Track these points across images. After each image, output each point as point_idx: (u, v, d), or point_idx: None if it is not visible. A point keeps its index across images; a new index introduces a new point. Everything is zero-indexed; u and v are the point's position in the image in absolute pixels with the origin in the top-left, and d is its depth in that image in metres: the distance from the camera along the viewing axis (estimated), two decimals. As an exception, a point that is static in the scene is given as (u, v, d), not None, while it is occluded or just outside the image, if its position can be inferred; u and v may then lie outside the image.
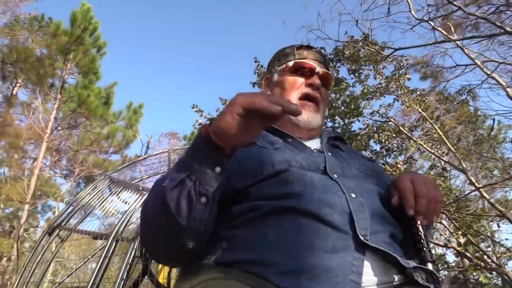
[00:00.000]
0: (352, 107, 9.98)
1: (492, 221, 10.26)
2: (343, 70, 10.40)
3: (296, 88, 1.32)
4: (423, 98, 9.77)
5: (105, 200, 4.27)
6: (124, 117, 19.97)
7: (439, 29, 8.61)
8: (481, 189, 8.26)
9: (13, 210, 20.69)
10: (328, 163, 1.13)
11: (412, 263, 0.94)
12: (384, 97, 10.14)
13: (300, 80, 1.33)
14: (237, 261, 0.90)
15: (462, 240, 9.10)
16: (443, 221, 9.13)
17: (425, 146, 9.53)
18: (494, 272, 7.94)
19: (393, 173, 8.69)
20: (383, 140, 9.83)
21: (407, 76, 9.87)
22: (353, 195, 1.01)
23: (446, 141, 9.27)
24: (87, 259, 4.56)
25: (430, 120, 9.52)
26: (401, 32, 8.84)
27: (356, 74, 10.29)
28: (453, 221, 8.57)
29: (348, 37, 9.74)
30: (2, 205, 19.46)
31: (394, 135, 9.92)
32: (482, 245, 9.87)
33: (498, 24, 6.90)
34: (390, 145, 9.96)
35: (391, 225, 1.04)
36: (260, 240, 0.92)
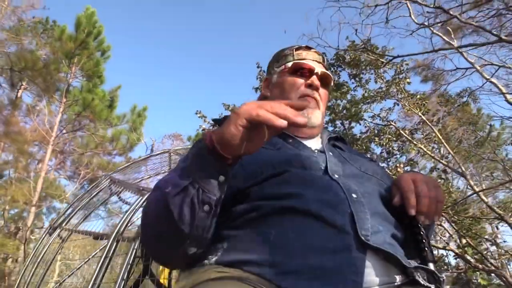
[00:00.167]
0: (353, 112, 9.97)
1: (491, 224, 10.23)
2: (344, 74, 10.37)
3: (295, 89, 1.31)
4: (423, 102, 9.76)
5: (105, 200, 4.24)
6: (128, 120, 19.97)
7: (439, 34, 8.60)
8: (480, 193, 8.24)
9: (18, 211, 20.76)
10: (329, 163, 1.12)
11: (413, 263, 0.93)
12: (385, 100, 10.15)
13: (300, 81, 1.32)
14: (238, 261, 0.89)
15: (463, 241, 9.07)
16: (443, 224, 9.08)
17: (425, 149, 9.51)
18: (493, 274, 7.88)
19: (394, 176, 8.63)
20: (384, 143, 9.82)
21: (407, 80, 9.86)
22: (354, 196, 1.00)
23: (446, 145, 9.29)
24: (87, 259, 4.52)
25: (430, 124, 9.52)
26: (400, 38, 8.85)
27: (357, 79, 10.31)
28: (452, 224, 8.58)
29: (349, 41, 9.79)
30: (8, 207, 19.50)
31: (394, 138, 9.90)
32: (483, 246, 9.78)
33: (494, 33, 7.00)
34: (390, 148, 9.95)
35: (392, 225, 1.04)
36: (261, 240, 0.91)
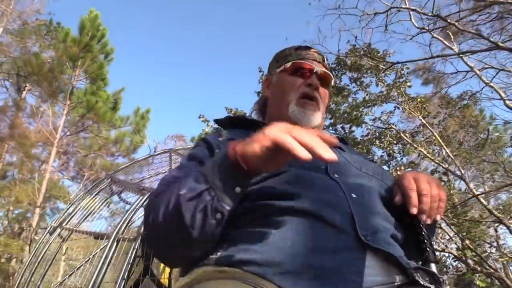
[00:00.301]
0: (353, 116, 10.02)
1: (489, 227, 10.23)
2: (345, 79, 10.41)
3: (295, 88, 1.30)
4: (424, 105, 9.79)
5: (106, 200, 4.21)
6: (131, 122, 20.03)
7: (439, 38, 8.61)
8: (479, 196, 8.24)
9: (22, 212, 20.79)
10: (329, 163, 1.09)
11: (413, 264, 0.92)
12: (386, 103, 10.18)
13: (299, 80, 1.31)
14: (238, 261, 0.88)
15: (462, 244, 9.07)
16: (443, 226, 9.06)
17: (425, 152, 9.54)
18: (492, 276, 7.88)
19: (394, 178, 8.63)
20: (385, 146, 9.86)
21: (408, 84, 9.90)
22: (354, 195, 0.99)
23: (446, 148, 9.31)
24: (87, 259, 4.49)
25: (430, 128, 9.56)
26: (401, 43, 8.87)
27: (358, 83, 10.34)
28: (451, 227, 8.58)
29: (350, 45, 9.82)
30: (12, 207, 19.54)
31: (395, 141, 9.94)
32: (482, 249, 9.77)
33: (492, 40, 7.04)
34: (391, 151, 9.97)
35: (392, 226, 1.02)
36: (261, 240, 0.90)
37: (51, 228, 4.39)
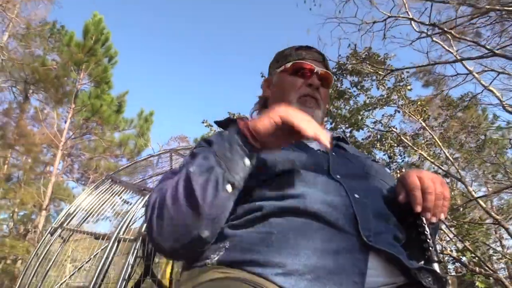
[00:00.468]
0: (353, 121, 10.05)
1: (488, 229, 10.21)
2: (346, 83, 10.45)
3: (295, 88, 1.29)
4: (424, 109, 9.81)
5: (106, 201, 4.17)
6: (135, 125, 20.05)
7: (438, 41, 8.63)
8: (478, 199, 8.25)
9: (27, 213, 20.82)
10: (331, 164, 1.10)
11: (416, 264, 0.91)
12: (387, 106, 10.20)
13: (300, 80, 1.30)
14: (239, 261, 0.87)
15: (461, 245, 9.07)
16: (442, 227, 9.02)
17: (425, 155, 9.55)
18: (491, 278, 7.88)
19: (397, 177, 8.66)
20: (386, 149, 9.89)
21: (408, 87, 9.93)
22: (356, 196, 0.98)
23: (445, 151, 9.31)
24: (88, 259, 4.46)
25: (430, 131, 9.58)
26: (401, 47, 8.92)
27: (359, 87, 10.36)
28: (450, 229, 8.61)
29: (351, 49, 9.87)
30: (17, 209, 19.56)
31: (396, 144, 9.97)
32: (484, 249, 9.73)
33: (488, 47, 7.08)
34: (392, 154, 10.00)
35: (394, 226, 1.02)
36: (263, 240, 0.89)
37: (52, 228, 4.37)
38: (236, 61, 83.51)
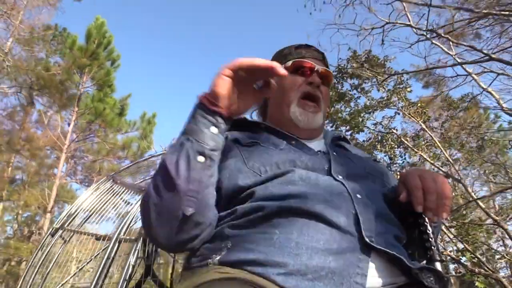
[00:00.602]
0: (353, 124, 10.08)
1: (486, 229, 10.22)
2: (346, 85, 10.50)
3: (296, 87, 1.27)
4: (424, 110, 9.85)
5: (107, 201, 4.14)
6: (138, 128, 20.06)
7: (438, 44, 8.67)
8: (478, 200, 8.33)
9: (31, 215, 20.85)
10: (332, 164, 1.09)
11: (417, 264, 0.90)
12: (387, 108, 10.24)
13: (300, 79, 1.28)
14: (241, 261, 0.86)
15: (461, 246, 9.08)
16: (442, 227, 9.01)
17: (425, 156, 9.59)
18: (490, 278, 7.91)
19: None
20: (387, 150, 9.91)
21: (408, 89, 9.96)
22: (358, 196, 0.98)
23: (445, 153, 9.34)
24: (89, 260, 4.42)
25: (429, 133, 9.63)
26: (400, 51, 8.98)
27: (359, 90, 10.39)
28: (450, 230, 8.62)
29: (351, 52, 9.93)
30: (21, 211, 19.59)
31: (396, 146, 9.99)
32: (483, 249, 9.72)
33: (484, 52, 7.19)
34: (392, 155, 10.01)
35: (395, 226, 1.01)
36: (265, 240, 0.88)
37: (52, 229, 4.34)
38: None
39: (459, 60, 8.74)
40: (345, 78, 10.33)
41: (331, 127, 10.37)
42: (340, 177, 1.04)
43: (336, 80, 10.24)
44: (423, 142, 10.08)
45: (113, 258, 3.54)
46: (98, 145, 19.49)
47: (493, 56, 6.89)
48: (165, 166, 0.89)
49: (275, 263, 0.83)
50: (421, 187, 1.01)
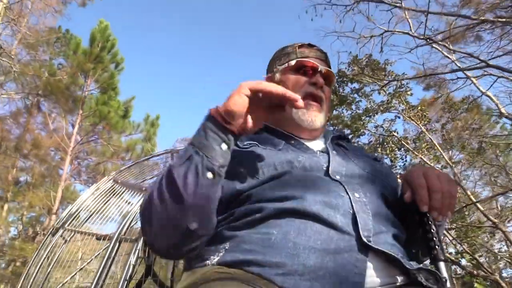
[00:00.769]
0: (354, 128, 10.11)
1: (484, 232, 10.22)
2: (347, 89, 10.55)
3: (299, 87, 1.25)
4: (424, 113, 9.85)
5: (107, 201, 4.12)
6: (142, 130, 20.08)
7: (438, 48, 8.71)
8: (477, 203, 8.35)
9: (35, 215, 20.86)
10: (331, 163, 1.08)
11: (415, 265, 0.89)
12: (388, 112, 10.26)
13: (303, 79, 1.27)
14: (239, 262, 0.86)
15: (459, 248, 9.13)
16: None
17: (424, 159, 9.59)
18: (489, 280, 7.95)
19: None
20: (388, 153, 9.88)
21: (408, 93, 9.96)
22: (356, 195, 0.97)
23: (445, 156, 9.44)
24: (90, 260, 4.41)
25: (430, 136, 9.63)
26: (400, 56, 9.04)
27: (360, 93, 10.42)
28: (449, 232, 8.61)
29: (352, 55, 9.95)
30: (25, 212, 19.63)
31: (396, 149, 9.99)
32: (481, 251, 9.70)
33: (481, 59, 7.19)
34: (393, 158, 10.00)
35: (394, 226, 0.99)
36: (263, 241, 0.88)
37: (53, 229, 4.32)
38: (240, 63, 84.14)
39: (458, 64, 8.80)
40: (345, 82, 10.36)
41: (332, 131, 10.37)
42: (338, 176, 1.03)
43: (337, 84, 10.27)
44: (423, 145, 10.08)
45: (113, 258, 3.52)
46: (103, 147, 19.52)
47: (489, 63, 6.92)
48: (173, 178, 0.87)
49: (273, 264, 0.82)
50: (426, 186, 0.98)
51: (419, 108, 9.84)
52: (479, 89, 9.00)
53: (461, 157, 11.24)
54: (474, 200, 8.45)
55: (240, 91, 0.89)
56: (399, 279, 0.88)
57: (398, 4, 8.13)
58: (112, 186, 4.30)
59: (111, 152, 19.22)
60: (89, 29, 17.46)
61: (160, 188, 0.90)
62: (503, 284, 7.51)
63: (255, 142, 1.11)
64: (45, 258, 4.13)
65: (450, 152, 10.45)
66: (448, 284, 0.88)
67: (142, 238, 3.56)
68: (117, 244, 3.61)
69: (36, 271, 4.05)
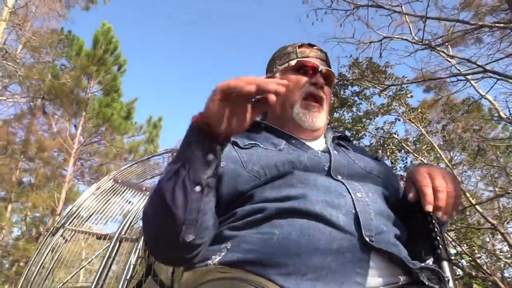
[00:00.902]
0: (354, 132, 10.11)
1: (484, 233, 10.18)
2: (348, 92, 10.57)
3: (300, 87, 1.24)
4: (424, 116, 9.87)
5: (108, 200, 4.09)
6: (145, 131, 20.10)
7: (438, 51, 8.75)
8: (476, 205, 8.40)
9: (38, 216, 20.87)
10: (333, 163, 1.07)
11: (418, 264, 0.88)
12: (388, 114, 10.25)
13: (304, 79, 1.25)
14: (241, 262, 0.85)
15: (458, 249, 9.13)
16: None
17: (425, 161, 9.56)
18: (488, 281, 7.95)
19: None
20: (388, 154, 9.89)
21: (408, 95, 9.99)
22: (358, 195, 0.96)
23: (444, 158, 9.46)
24: (91, 259, 4.39)
25: (430, 138, 9.66)
26: (400, 59, 9.12)
27: (360, 96, 10.42)
28: (448, 233, 8.56)
29: (352, 59, 9.97)
30: (29, 213, 19.63)
31: (397, 150, 10.00)
32: (480, 252, 9.67)
33: (478, 64, 7.20)
34: (393, 160, 9.99)
35: (396, 225, 0.98)
36: (264, 241, 0.87)
37: (53, 228, 4.30)
38: (242, 63, 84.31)
39: (458, 67, 8.85)
40: (346, 85, 10.38)
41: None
42: (340, 176, 1.02)
43: (338, 87, 10.29)
44: (424, 147, 10.06)
45: (114, 258, 3.49)
46: (106, 149, 19.55)
47: (487, 68, 6.93)
48: (162, 194, 0.85)
49: (275, 263, 0.82)
50: (430, 186, 0.96)
51: (419, 110, 9.86)
52: (478, 92, 9.06)
53: (462, 158, 11.23)
54: (473, 202, 8.47)
55: (213, 97, 0.83)
56: (402, 278, 0.88)
57: (397, 9, 8.17)
58: (112, 185, 4.28)
59: (114, 153, 19.24)
60: (92, 31, 17.46)
61: (152, 203, 0.90)
62: (502, 286, 7.51)
63: (255, 142, 1.10)
64: (45, 257, 4.11)
65: (451, 153, 10.42)
66: (451, 284, 0.86)
67: (142, 238, 3.55)
68: (118, 243, 3.62)
69: (36, 270, 4.02)
